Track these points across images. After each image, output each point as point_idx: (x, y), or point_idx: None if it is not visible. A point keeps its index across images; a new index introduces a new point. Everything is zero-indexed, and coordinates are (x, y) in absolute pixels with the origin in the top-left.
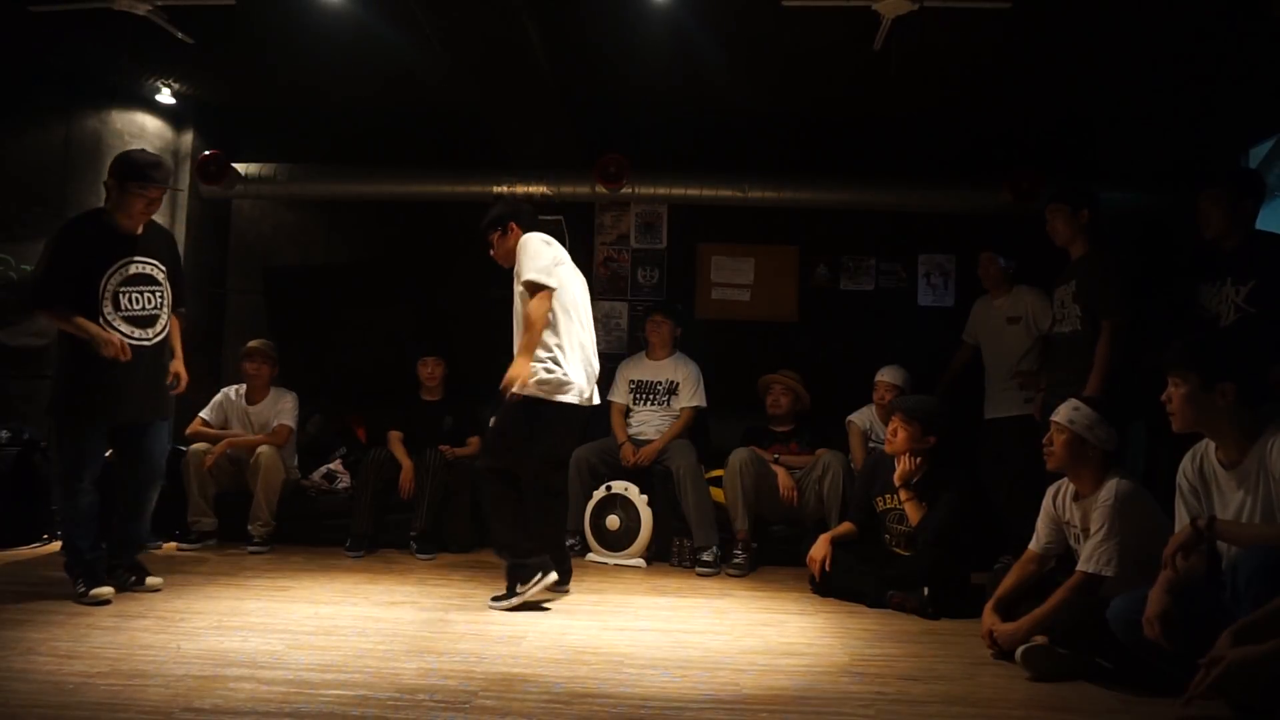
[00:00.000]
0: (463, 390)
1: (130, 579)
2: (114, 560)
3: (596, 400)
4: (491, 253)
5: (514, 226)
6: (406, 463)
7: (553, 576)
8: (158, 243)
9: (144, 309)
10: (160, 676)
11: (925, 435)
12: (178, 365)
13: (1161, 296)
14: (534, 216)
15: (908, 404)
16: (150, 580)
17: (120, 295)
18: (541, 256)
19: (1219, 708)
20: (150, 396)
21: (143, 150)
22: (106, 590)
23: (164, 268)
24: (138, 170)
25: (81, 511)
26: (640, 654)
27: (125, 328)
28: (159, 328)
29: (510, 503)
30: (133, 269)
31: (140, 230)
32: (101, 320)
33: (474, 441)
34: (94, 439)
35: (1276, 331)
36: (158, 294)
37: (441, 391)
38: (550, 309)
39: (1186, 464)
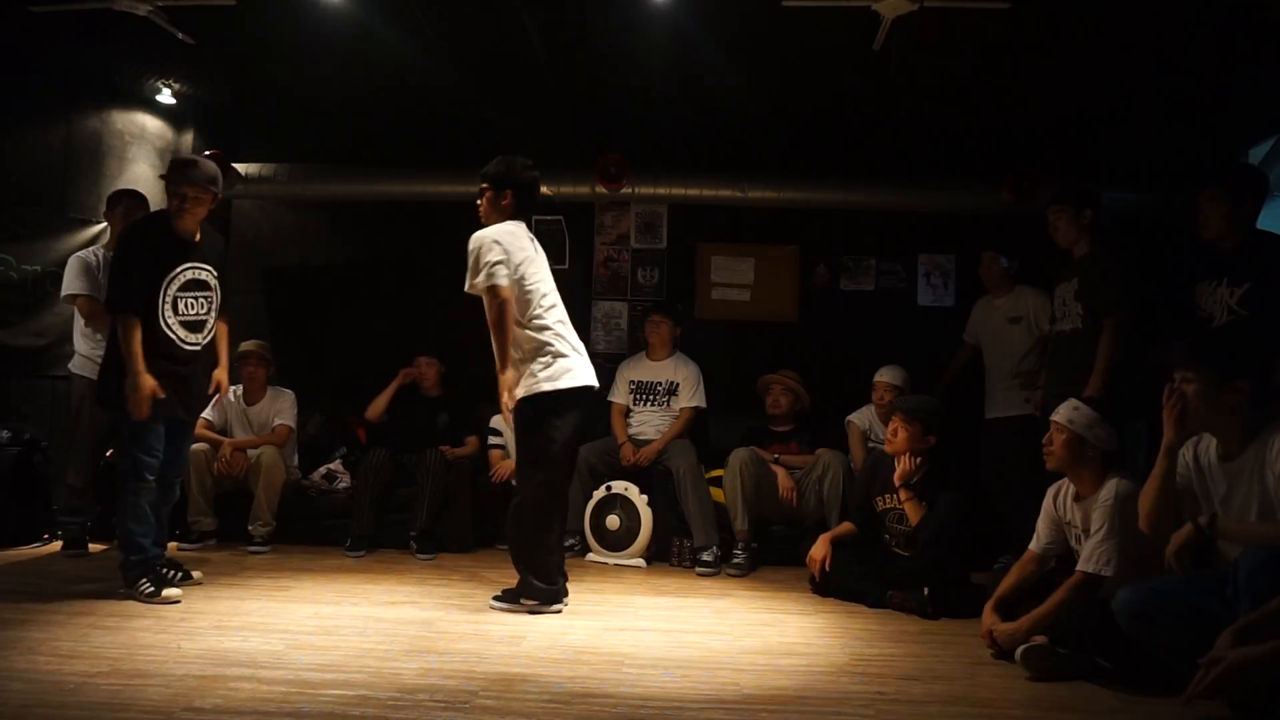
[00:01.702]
0: (461, 389)
1: (175, 575)
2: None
3: (596, 383)
4: (479, 203)
5: (509, 195)
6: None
7: (560, 608)
8: (212, 248)
9: (197, 314)
10: (161, 676)
11: (925, 435)
12: (221, 373)
13: (1161, 296)
14: (532, 195)
15: (908, 404)
16: (196, 575)
17: (179, 300)
18: (491, 253)
19: (1218, 708)
20: (193, 397)
21: (200, 156)
22: (177, 591)
23: (216, 273)
24: (190, 175)
25: (145, 509)
26: (640, 654)
27: (181, 332)
28: (207, 332)
29: (551, 522)
30: (190, 274)
31: (198, 236)
32: (160, 323)
33: (472, 441)
34: (159, 433)
35: (1270, 334)
36: (210, 299)
37: (438, 390)
38: (513, 305)
39: (1185, 454)
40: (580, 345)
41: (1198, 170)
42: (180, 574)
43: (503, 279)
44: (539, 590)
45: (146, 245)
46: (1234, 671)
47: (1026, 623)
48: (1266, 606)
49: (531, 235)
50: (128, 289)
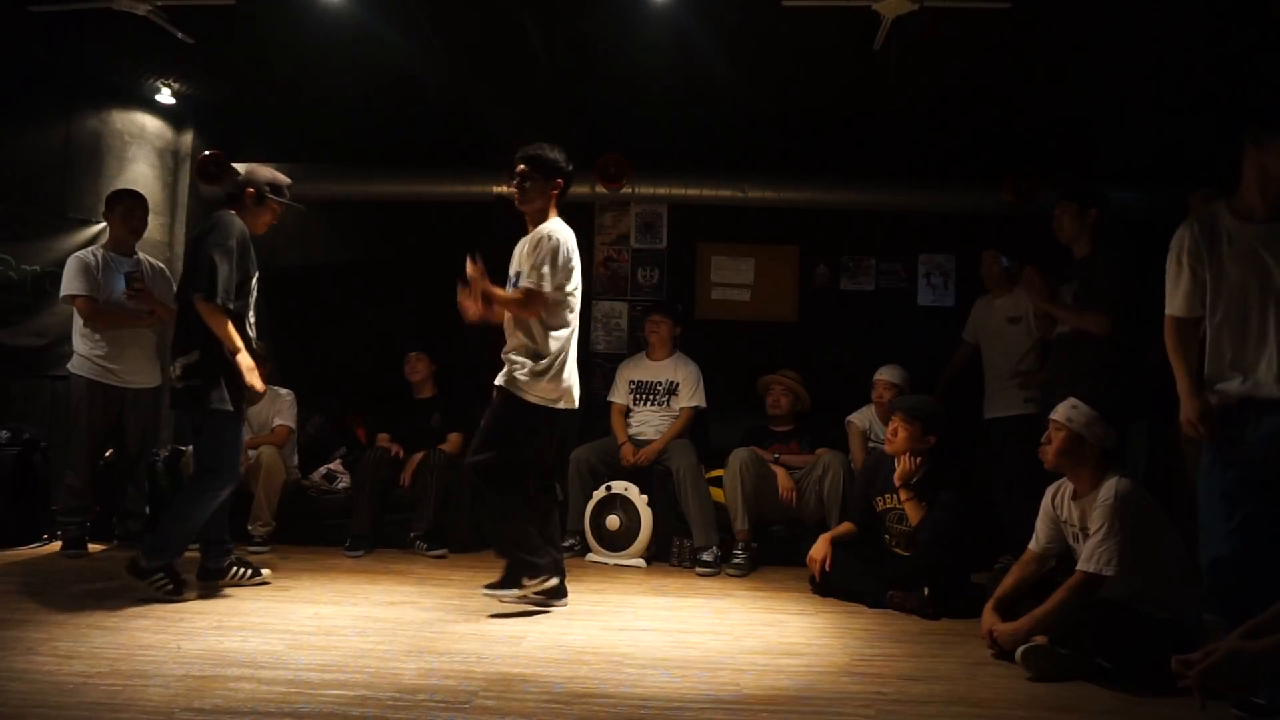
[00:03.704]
0: (455, 388)
1: (246, 573)
2: (222, 558)
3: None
4: (515, 185)
5: (559, 184)
6: (403, 455)
7: (555, 581)
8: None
9: (256, 315)
10: (160, 676)
11: (925, 435)
12: None
13: (1160, 296)
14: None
15: (908, 404)
16: (265, 573)
17: (249, 304)
18: (562, 265)
19: (1222, 708)
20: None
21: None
22: (192, 592)
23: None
24: (280, 187)
25: (211, 514)
26: (640, 654)
27: (253, 334)
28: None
29: (514, 504)
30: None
31: None
32: (246, 325)
33: (453, 438)
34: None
35: None
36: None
37: (432, 389)
38: (552, 309)
39: (1188, 232)
40: (574, 360)
41: (1197, 170)
42: (251, 571)
43: (548, 287)
44: (532, 564)
45: (248, 245)
46: (1227, 660)
47: (1027, 623)
48: (1270, 611)
49: None
50: (228, 282)
